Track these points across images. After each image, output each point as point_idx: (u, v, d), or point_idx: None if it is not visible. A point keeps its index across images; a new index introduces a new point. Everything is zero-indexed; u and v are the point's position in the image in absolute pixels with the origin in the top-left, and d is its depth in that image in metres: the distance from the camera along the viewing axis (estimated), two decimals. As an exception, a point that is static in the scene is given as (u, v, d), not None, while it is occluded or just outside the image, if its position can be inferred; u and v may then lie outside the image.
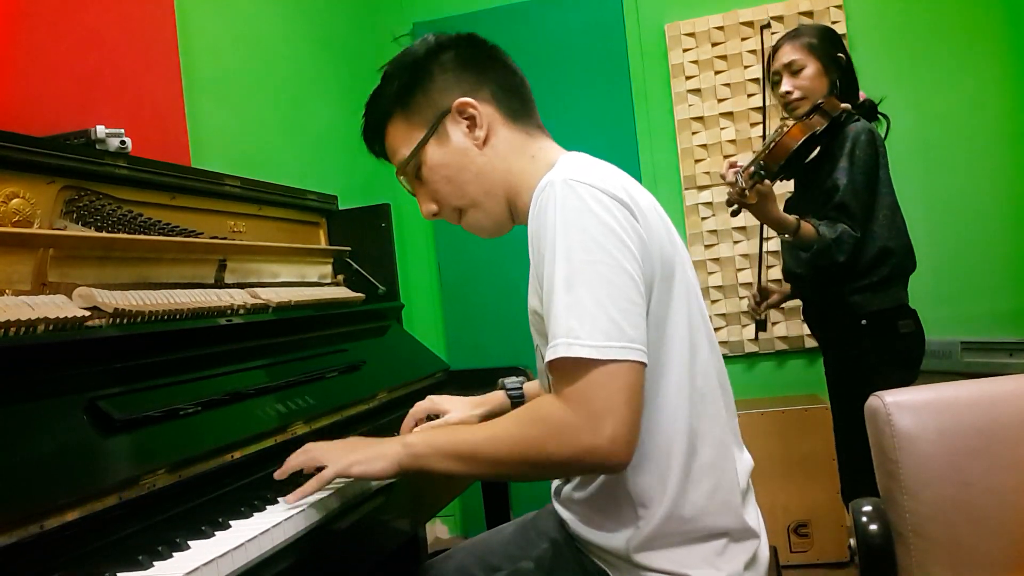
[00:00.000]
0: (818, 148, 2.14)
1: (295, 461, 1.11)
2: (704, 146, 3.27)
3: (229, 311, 1.47)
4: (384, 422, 1.62)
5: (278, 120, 2.61)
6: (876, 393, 1.41)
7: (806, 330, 2.98)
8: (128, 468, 1.04)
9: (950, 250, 3.02)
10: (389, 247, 2.16)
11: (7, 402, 0.97)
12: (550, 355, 0.94)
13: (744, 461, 1.15)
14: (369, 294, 2.06)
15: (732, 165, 2.03)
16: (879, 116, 2.18)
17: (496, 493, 2.13)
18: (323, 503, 1.08)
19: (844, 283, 2.05)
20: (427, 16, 3.51)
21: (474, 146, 1.14)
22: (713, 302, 3.25)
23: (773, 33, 2.36)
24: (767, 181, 1.98)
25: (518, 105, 1.17)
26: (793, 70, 2.12)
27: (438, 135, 1.14)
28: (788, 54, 2.13)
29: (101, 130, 1.42)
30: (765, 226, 2.32)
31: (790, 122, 2.08)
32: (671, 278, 1.04)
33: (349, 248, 2.08)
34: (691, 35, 3.28)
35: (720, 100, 3.25)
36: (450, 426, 1.34)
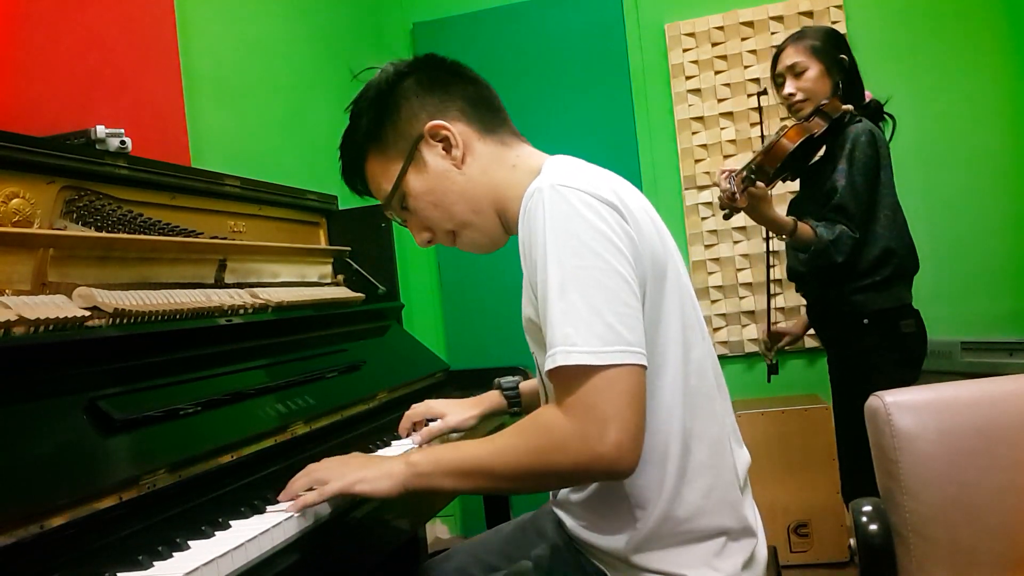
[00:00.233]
0: (823, 149, 2.14)
1: (298, 483, 1.08)
2: (704, 146, 3.27)
3: (229, 311, 1.47)
4: (384, 422, 1.62)
5: (278, 120, 2.61)
6: (876, 393, 1.41)
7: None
8: (128, 468, 1.04)
9: (950, 250, 3.03)
10: (389, 247, 2.16)
11: (7, 402, 0.97)
12: (548, 364, 0.93)
13: (742, 457, 1.15)
14: (369, 294, 2.06)
15: (725, 171, 2.04)
16: (885, 116, 2.18)
17: (496, 493, 2.13)
18: (323, 503, 1.08)
19: (846, 282, 2.05)
20: (427, 16, 3.51)
21: (453, 167, 1.13)
22: (713, 302, 3.25)
23: (763, 94, 2.40)
24: (760, 184, 1.99)
25: (489, 116, 1.16)
26: (796, 72, 2.12)
27: (416, 163, 1.13)
28: (791, 56, 2.13)
29: (101, 130, 1.42)
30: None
31: (789, 123, 2.08)
32: (663, 279, 1.04)
33: (349, 248, 2.08)
34: (691, 35, 3.28)
35: (720, 100, 3.25)
36: (453, 442, 1.34)
